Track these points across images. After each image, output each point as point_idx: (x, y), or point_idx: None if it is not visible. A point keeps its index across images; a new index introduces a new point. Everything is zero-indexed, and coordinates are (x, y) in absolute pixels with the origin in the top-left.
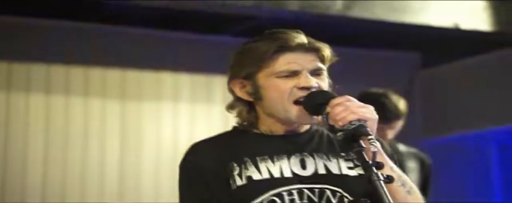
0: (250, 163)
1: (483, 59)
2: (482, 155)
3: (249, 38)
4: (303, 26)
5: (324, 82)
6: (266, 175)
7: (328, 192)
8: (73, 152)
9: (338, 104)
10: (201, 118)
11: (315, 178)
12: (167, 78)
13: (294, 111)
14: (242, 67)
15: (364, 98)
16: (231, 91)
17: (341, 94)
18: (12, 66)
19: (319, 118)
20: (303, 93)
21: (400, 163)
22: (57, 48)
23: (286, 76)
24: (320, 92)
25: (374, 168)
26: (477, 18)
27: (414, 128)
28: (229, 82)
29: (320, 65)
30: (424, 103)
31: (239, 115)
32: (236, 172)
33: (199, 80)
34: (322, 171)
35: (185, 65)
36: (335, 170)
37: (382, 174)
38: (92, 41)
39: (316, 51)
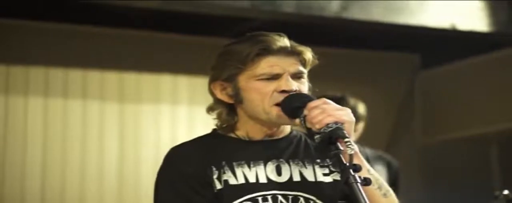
0: (227, 168)
1: (481, 60)
2: (482, 155)
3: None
4: (299, 28)
5: (304, 86)
6: (241, 180)
7: (302, 199)
8: (71, 154)
9: (315, 107)
10: (199, 120)
11: (290, 185)
12: (166, 81)
13: (274, 113)
14: (224, 69)
15: None
16: (212, 93)
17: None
18: (11, 69)
19: (297, 120)
20: (284, 96)
21: None
22: (55, 50)
23: (267, 79)
24: (297, 95)
25: (351, 171)
26: (474, 18)
27: (414, 129)
28: (210, 84)
29: (301, 68)
30: (424, 103)
31: (218, 117)
32: (215, 176)
33: (197, 82)
34: (297, 178)
35: (184, 67)
36: (310, 177)
37: (359, 177)
38: (90, 44)
39: (298, 54)
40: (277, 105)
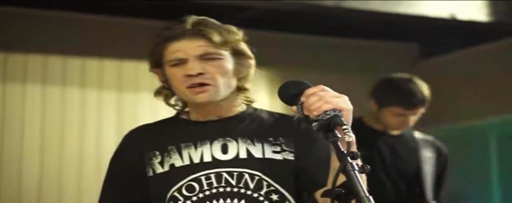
0: (175, 151)
1: (481, 50)
2: (481, 146)
3: (246, 29)
4: (298, 17)
5: (217, 67)
6: (187, 161)
7: (247, 176)
8: (69, 142)
9: (312, 94)
10: None
11: (236, 162)
12: None
13: (189, 95)
14: (151, 57)
15: (390, 84)
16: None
17: (340, 85)
18: (8, 57)
19: (294, 108)
20: (191, 80)
21: (415, 153)
22: (53, 38)
23: (175, 65)
24: (294, 82)
25: (348, 158)
26: (473, 8)
27: None
28: (150, 69)
29: (209, 50)
30: None
31: (165, 101)
32: (157, 160)
33: None
34: (243, 155)
35: None
36: (257, 154)
37: (357, 164)
38: (88, 32)
39: (203, 36)
40: (188, 87)
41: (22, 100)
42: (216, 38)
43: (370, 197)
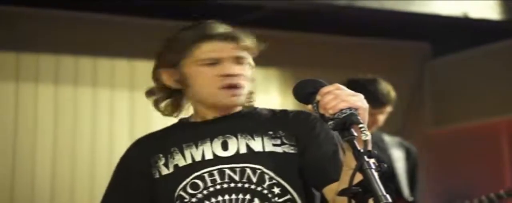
0: (177, 152)
1: (493, 48)
2: (493, 144)
3: (257, 28)
4: (310, 16)
5: (245, 71)
6: (189, 161)
7: (249, 170)
8: (81, 142)
9: (328, 92)
10: None
11: (237, 157)
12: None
13: (220, 96)
14: (168, 56)
15: (356, 85)
16: (156, 79)
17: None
18: (21, 57)
19: (310, 106)
20: (226, 80)
21: (386, 153)
22: (65, 38)
23: (209, 64)
24: (310, 80)
25: (365, 157)
26: (486, 6)
27: (425, 118)
28: (155, 70)
29: (242, 54)
30: (434, 92)
31: (155, 104)
32: (161, 163)
33: None
34: (243, 150)
35: None
36: (257, 148)
37: (374, 163)
38: (100, 31)
39: (236, 41)
40: (222, 88)
41: (35, 100)
42: (248, 43)
43: (388, 196)
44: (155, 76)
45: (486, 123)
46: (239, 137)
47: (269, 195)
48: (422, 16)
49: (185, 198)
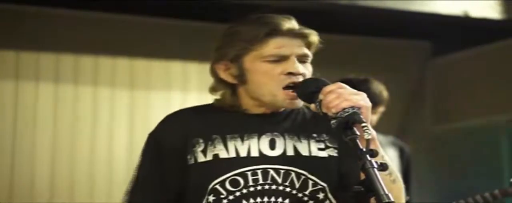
0: (219, 141)
1: (493, 48)
2: (492, 144)
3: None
4: (311, 14)
5: (308, 70)
6: (233, 154)
7: (293, 174)
8: (81, 141)
9: (330, 91)
10: None
11: (283, 159)
12: (176, 67)
13: (281, 96)
14: (230, 50)
15: (348, 85)
16: (214, 73)
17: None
18: (21, 55)
19: (313, 105)
20: (290, 79)
21: None
22: (65, 37)
23: (274, 61)
24: (313, 80)
25: (368, 156)
26: (486, 6)
27: (425, 117)
28: (213, 64)
29: (307, 52)
30: (435, 91)
31: (223, 98)
32: (200, 148)
33: (208, 69)
34: (290, 152)
35: (194, 54)
36: (304, 152)
37: (376, 162)
38: (100, 30)
39: (305, 37)
40: (284, 88)
41: (35, 98)
42: (314, 40)
43: (390, 195)
44: (213, 70)
45: (486, 122)
46: (286, 137)
47: (311, 202)
48: (422, 15)
49: (222, 194)
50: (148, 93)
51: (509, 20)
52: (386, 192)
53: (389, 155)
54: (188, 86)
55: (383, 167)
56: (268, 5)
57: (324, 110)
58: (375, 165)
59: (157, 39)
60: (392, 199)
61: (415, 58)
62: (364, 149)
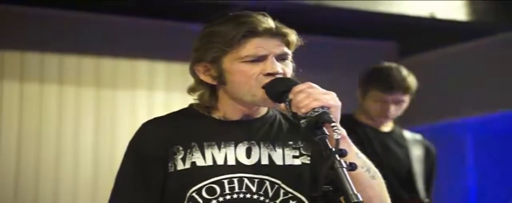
0: (197, 148)
1: (459, 49)
2: (457, 144)
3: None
4: (278, 15)
5: (289, 68)
6: (209, 162)
7: (267, 183)
8: (46, 139)
9: (300, 91)
10: (176, 106)
11: (258, 168)
12: (142, 66)
13: (260, 95)
14: (207, 51)
15: (373, 70)
16: (194, 74)
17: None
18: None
19: (282, 105)
20: (269, 79)
21: (406, 151)
22: (31, 35)
23: (252, 61)
24: (281, 79)
25: (337, 156)
26: (453, 7)
27: None
28: (192, 65)
29: (286, 50)
30: None
31: (200, 98)
32: (179, 156)
33: (174, 68)
34: (265, 161)
35: (160, 53)
36: (278, 161)
37: (345, 162)
38: (66, 29)
39: (283, 36)
40: (264, 87)
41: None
42: (293, 39)
43: (359, 195)
44: (192, 71)
45: (452, 123)
46: (261, 145)
47: None
48: (389, 16)
49: (198, 202)
50: (114, 92)
51: (475, 22)
52: (355, 192)
53: (416, 154)
54: (154, 85)
55: (352, 166)
56: (235, 5)
57: (294, 110)
58: (344, 165)
59: (123, 38)
60: (361, 199)
61: (381, 59)
62: (333, 149)
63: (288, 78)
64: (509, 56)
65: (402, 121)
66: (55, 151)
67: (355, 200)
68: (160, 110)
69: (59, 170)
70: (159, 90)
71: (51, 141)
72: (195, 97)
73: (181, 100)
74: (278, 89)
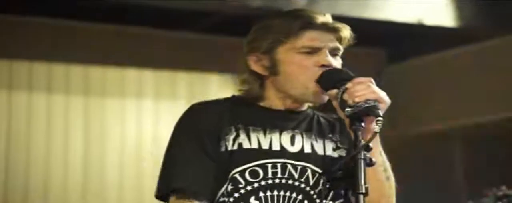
0: (243, 131)
1: (447, 55)
2: (445, 150)
3: (213, 34)
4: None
5: (339, 63)
6: (255, 145)
7: (309, 171)
8: (36, 148)
9: (361, 82)
10: (165, 114)
11: (301, 155)
12: (131, 75)
13: (313, 89)
14: (263, 42)
15: None
16: (246, 65)
17: None
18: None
19: (334, 91)
20: (322, 70)
21: None
22: (19, 44)
23: (307, 53)
24: (341, 70)
25: (363, 148)
26: (440, 14)
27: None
28: (245, 55)
29: (339, 45)
30: (389, 98)
31: (249, 89)
32: (231, 136)
33: (162, 76)
34: (308, 150)
35: (149, 61)
36: (320, 151)
37: (368, 157)
38: (55, 37)
39: (337, 31)
40: (320, 76)
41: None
42: (346, 34)
43: (367, 187)
44: (245, 62)
45: (439, 128)
46: (304, 135)
47: (317, 200)
48: (377, 23)
49: (240, 183)
50: (103, 101)
51: (463, 28)
52: (366, 184)
53: None
54: (142, 93)
55: (371, 162)
56: (221, 13)
57: (346, 97)
58: (367, 160)
59: (112, 46)
60: (367, 191)
61: (369, 65)
62: (363, 142)
63: (347, 70)
64: (497, 62)
65: (391, 127)
66: (45, 159)
67: (361, 191)
68: (149, 118)
69: (48, 178)
70: (148, 98)
71: (41, 149)
72: (245, 87)
73: (169, 108)
74: (339, 76)
